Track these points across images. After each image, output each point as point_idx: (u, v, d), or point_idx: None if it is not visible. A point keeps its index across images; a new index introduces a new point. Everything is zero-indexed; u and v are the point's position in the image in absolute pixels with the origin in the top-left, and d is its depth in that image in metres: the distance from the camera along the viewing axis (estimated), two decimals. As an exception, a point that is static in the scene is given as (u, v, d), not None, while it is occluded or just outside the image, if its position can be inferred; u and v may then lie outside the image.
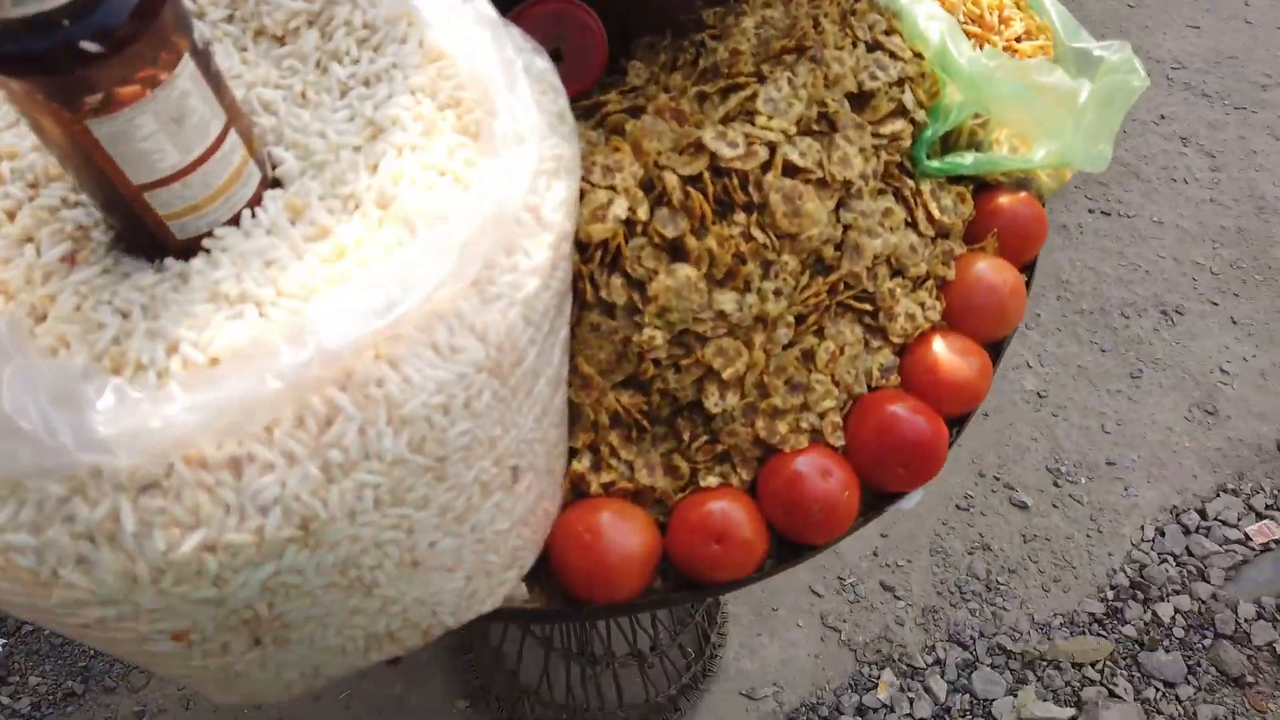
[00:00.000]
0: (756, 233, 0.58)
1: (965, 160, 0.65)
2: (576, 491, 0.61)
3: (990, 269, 0.66)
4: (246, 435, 0.44)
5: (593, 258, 0.59)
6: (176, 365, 0.44)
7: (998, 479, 1.62)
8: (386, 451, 0.47)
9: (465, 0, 0.58)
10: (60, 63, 0.41)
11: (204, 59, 0.48)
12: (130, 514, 0.43)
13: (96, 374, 0.42)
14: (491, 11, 0.58)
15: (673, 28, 0.77)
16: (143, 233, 0.51)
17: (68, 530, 0.43)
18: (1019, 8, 0.79)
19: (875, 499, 0.63)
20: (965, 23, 0.77)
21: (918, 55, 0.67)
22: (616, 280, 0.58)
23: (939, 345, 0.64)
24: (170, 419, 0.40)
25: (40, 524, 0.43)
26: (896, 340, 0.64)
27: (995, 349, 0.68)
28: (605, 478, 0.60)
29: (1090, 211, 2.01)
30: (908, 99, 0.64)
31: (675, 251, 0.59)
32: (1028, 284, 0.71)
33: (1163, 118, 2.20)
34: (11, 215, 0.52)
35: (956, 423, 0.65)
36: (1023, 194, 0.69)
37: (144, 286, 0.49)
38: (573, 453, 0.61)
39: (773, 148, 0.60)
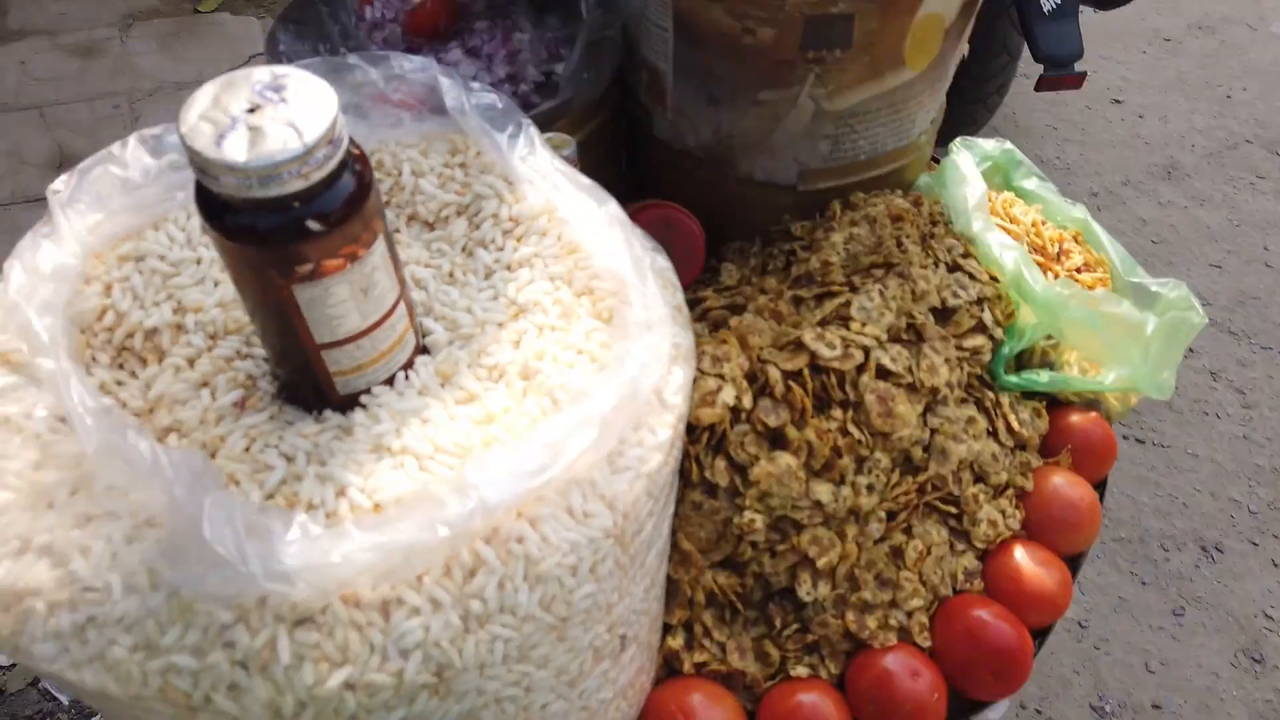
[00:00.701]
0: (852, 429, 0.63)
1: (1041, 378, 0.71)
2: (669, 668, 0.63)
3: (1067, 483, 0.70)
4: (400, 580, 0.47)
5: (699, 439, 0.63)
6: (345, 508, 0.48)
7: (1039, 712, 1.58)
8: (520, 606, 0.49)
9: (600, 203, 0.66)
10: (285, 237, 0.48)
11: (389, 239, 0.54)
12: (286, 645, 0.46)
13: (281, 512, 0.46)
14: (622, 214, 0.66)
15: (761, 235, 0.85)
16: (309, 386, 0.56)
17: (227, 656, 0.46)
18: (1077, 241, 0.87)
19: (961, 706, 0.64)
20: (1029, 253, 0.84)
21: (993, 279, 0.74)
22: (720, 463, 0.63)
23: (1021, 554, 0.67)
24: (348, 556, 0.44)
25: (204, 648, 0.45)
26: (980, 545, 0.67)
27: (1071, 563, 0.71)
28: (698, 657, 0.62)
29: (1125, 438, 2.06)
30: (987, 317, 0.71)
31: (775, 440, 0.64)
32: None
33: (1192, 351, 2.28)
34: (191, 362, 0.58)
35: (1038, 634, 0.67)
36: (1093, 414, 0.74)
37: (307, 434, 0.54)
38: (667, 629, 0.63)
39: (867, 352, 0.66)
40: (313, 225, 0.48)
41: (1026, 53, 2.32)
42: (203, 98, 0.47)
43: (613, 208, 0.65)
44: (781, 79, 0.74)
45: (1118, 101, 3.20)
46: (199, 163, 0.45)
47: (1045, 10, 2.14)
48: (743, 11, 0.70)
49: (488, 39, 0.85)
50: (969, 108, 2.61)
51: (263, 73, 0.47)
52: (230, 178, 0.45)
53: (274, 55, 0.83)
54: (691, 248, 0.80)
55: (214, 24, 2.80)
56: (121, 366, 0.58)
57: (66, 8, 2.78)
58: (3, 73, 2.55)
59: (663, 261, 0.66)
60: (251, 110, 0.46)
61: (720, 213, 0.84)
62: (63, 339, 0.55)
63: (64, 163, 2.34)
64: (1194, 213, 2.82)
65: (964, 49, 0.84)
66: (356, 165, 0.49)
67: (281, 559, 0.43)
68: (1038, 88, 2.31)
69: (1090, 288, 0.82)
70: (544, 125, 0.69)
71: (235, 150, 0.45)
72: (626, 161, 0.89)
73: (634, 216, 0.79)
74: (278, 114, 0.46)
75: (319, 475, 0.50)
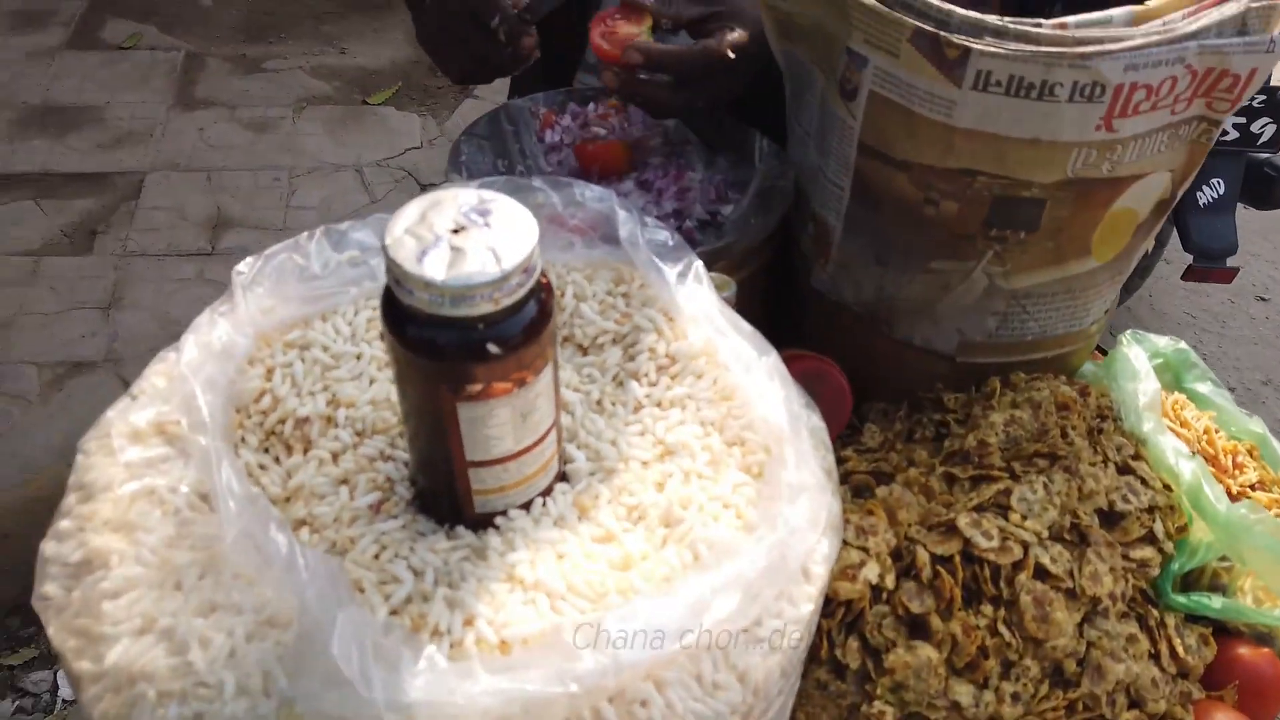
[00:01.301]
0: (1002, 629, 0.58)
1: (1214, 603, 0.64)
2: None
3: (1231, 722, 0.63)
4: (515, 723, 0.44)
5: (834, 614, 0.59)
6: (471, 640, 0.46)
7: None
8: (633, 777, 0.46)
9: (762, 353, 0.64)
10: (462, 356, 0.47)
11: (556, 367, 0.54)
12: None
13: (407, 635, 0.44)
14: (783, 368, 0.64)
15: (910, 401, 0.82)
16: (446, 500, 0.55)
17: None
18: (1252, 456, 0.81)
19: None
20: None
21: (1166, 487, 0.69)
22: (854, 643, 0.58)
23: (1173, 796, 0.60)
24: (471, 698, 0.41)
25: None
26: (1129, 778, 0.60)
27: (1226, 811, 0.63)
28: None
29: None
30: (1158, 528, 0.65)
31: (916, 628, 0.59)
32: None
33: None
34: (335, 457, 0.57)
35: None
36: (1266, 650, 0.67)
37: (439, 550, 0.52)
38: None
39: (1026, 548, 0.61)
40: (492, 349, 0.47)
41: (1175, 239, 2.26)
42: (410, 212, 0.47)
43: (773, 359, 0.63)
44: (958, 252, 0.72)
45: (1263, 299, 3.08)
46: (397, 274, 0.46)
47: (1201, 204, 2.09)
48: (928, 183, 0.69)
49: (660, 174, 0.87)
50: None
51: (470, 195, 0.48)
52: (424, 293, 0.45)
53: (455, 165, 0.85)
54: (839, 404, 0.77)
55: (379, 116, 2.98)
56: (267, 451, 0.58)
57: (250, 85, 3.00)
58: (181, 136, 2.75)
59: (817, 421, 0.64)
60: (456, 231, 0.46)
61: (869, 372, 0.81)
62: (220, 416, 0.56)
63: (219, 224, 2.48)
64: (1340, 422, 2.65)
65: (1150, 244, 0.81)
66: (542, 294, 0.49)
67: (406, 690, 0.41)
68: (1185, 277, 2.24)
69: (1267, 507, 0.76)
70: (707, 264, 0.68)
71: (434, 268, 0.45)
72: (780, 308, 0.88)
73: (786, 365, 0.78)
74: (480, 237, 0.46)
75: (448, 599, 0.48)
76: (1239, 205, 2.33)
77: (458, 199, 0.48)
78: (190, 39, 3.19)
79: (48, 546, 0.53)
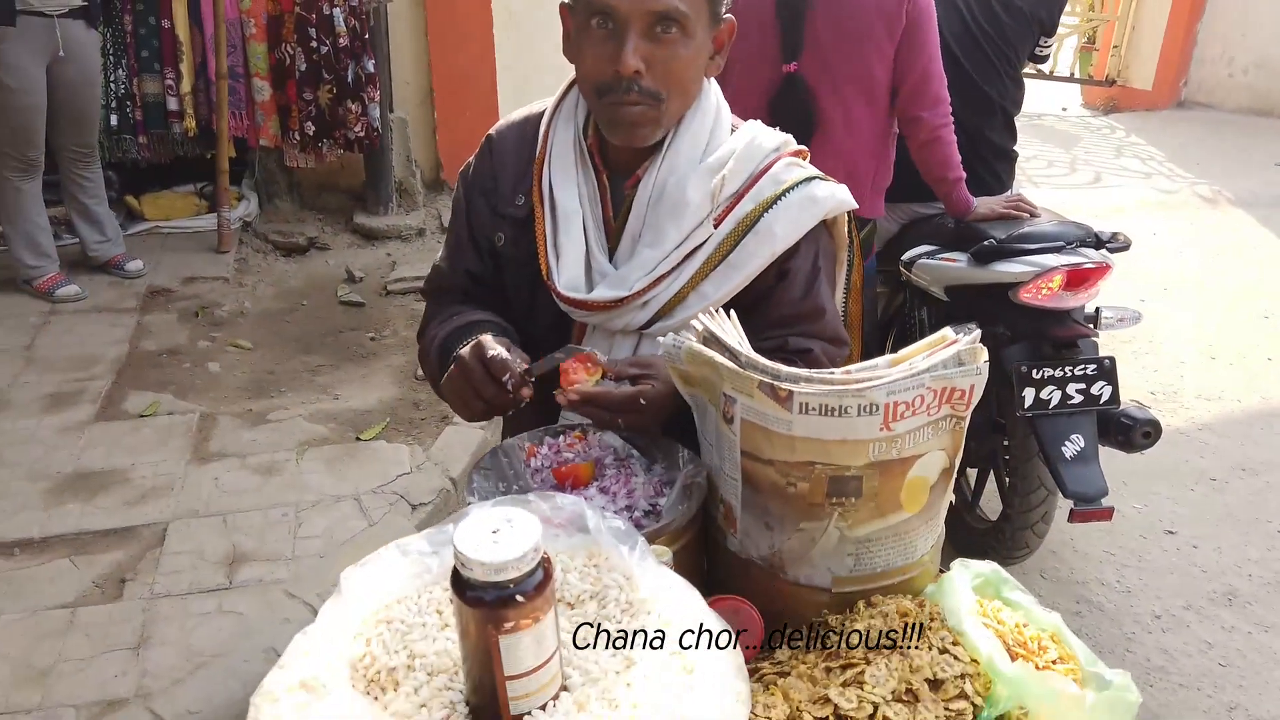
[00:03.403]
0: (866, 762, 0.87)
1: (1015, 740, 0.94)
2: None
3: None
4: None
5: (755, 766, 0.88)
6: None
7: None
8: None
9: (687, 592, 0.97)
10: (500, 605, 0.81)
11: (555, 610, 0.87)
12: None
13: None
14: (703, 602, 0.97)
15: (806, 625, 1.14)
16: (490, 708, 0.86)
17: None
18: (1054, 640, 1.12)
19: None
20: (1014, 646, 1.10)
21: (974, 661, 1.00)
22: (770, 784, 0.87)
23: None
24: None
25: None
26: None
27: None
28: None
29: None
30: (968, 687, 0.96)
31: (810, 769, 0.88)
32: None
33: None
34: (416, 690, 0.88)
35: None
36: (1062, 769, 0.95)
37: (491, 738, 0.82)
38: None
39: (875, 706, 0.92)
40: (519, 598, 0.81)
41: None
42: (469, 524, 0.83)
43: (696, 598, 0.97)
44: (814, 515, 1.08)
45: (1170, 532, 3.44)
46: (463, 559, 0.80)
47: (1068, 456, 2.52)
48: (787, 471, 1.07)
49: (614, 481, 1.24)
50: (1019, 534, 2.91)
51: (501, 513, 0.84)
52: (479, 569, 0.80)
53: (470, 490, 1.22)
54: (753, 628, 1.09)
55: (371, 450, 3.39)
56: (368, 691, 0.89)
57: (257, 435, 3.43)
58: (199, 487, 3.12)
59: (741, 619, 0.96)
60: (494, 531, 0.82)
61: (774, 606, 1.14)
62: (342, 670, 0.87)
63: (235, 560, 2.78)
64: (1258, 638, 2.92)
65: (950, 498, 1.18)
66: (545, 564, 0.84)
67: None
68: (1070, 519, 2.61)
69: (1066, 674, 1.07)
70: (650, 540, 1.03)
71: (484, 554, 0.80)
72: (707, 567, 1.22)
73: (712, 605, 1.10)
74: (509, 534, 0.82)
75: (504, 762, 0.78)
76: (1117, 453, 2.75)
77: (494, 516, 0.84)
78: (202, 401, 3.65)
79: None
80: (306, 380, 3.94)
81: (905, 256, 3.03)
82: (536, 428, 1.35)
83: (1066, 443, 2.52)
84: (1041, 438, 2.59)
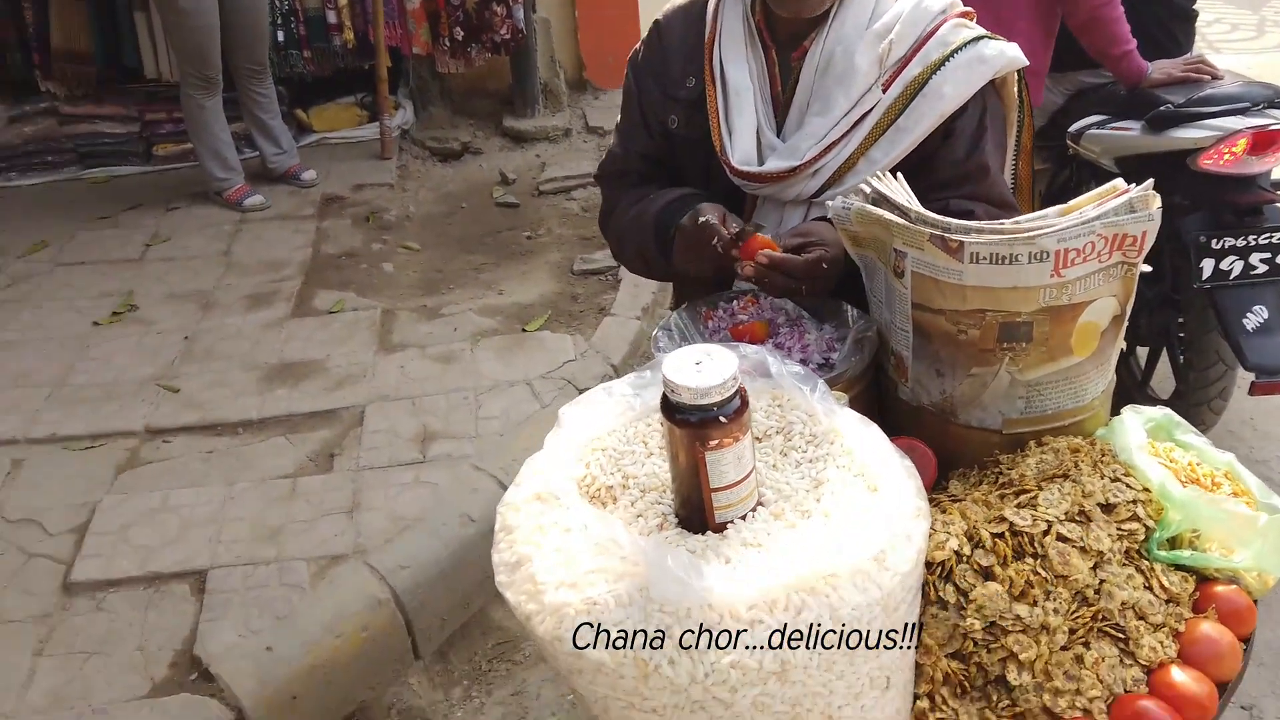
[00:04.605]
0: (1041, 571, 0.96)
1: (1184, 554, 1.00)
2: (917, 723, 0.94)
3: (1212, 629, 0.97)
4: (762, 605, 0.85)
5: (934, 571, 0.99)
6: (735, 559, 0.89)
7: None
8: (827, 635, 0.86)
9: (867, 426, 1.07)
10: (706, 425, 0.93)
11: (751, 434, 0.98)
12: (702, 639, 0.85)
13: (700, 560, 0.87)
14: (882, 434, 1.07)
15: (979, 466, 1.22)
16: (698, 518, 0.98)
17: (671, 642, 0.85)
18: (1227, 478, 1.16)
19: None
20: (1186, 484, 1.15)
21: (1145, 489, 1.06)
22: (949, 587, 0.97)
23: (1177, 671, 0.94)
24: (735, 590, 0.83)
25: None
26: (1143, 663, 0.95)
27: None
28: (938, 715, 0.93)
29: None
30: (1140, 511, 1.03)
31: (986, 575, 0.98)
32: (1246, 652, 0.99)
33: None
34: (633, 503, 1.02)
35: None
36: (1234, 586, 1.01)
37: (698, 541, 0.96)
38: (916, 697, 0.95)
39: (1049, 524, 1.00)
40: (721, 418, 0.93)
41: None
42: (675, 358, 0.95)
43: (876, 430, 1.06)
44: (985, 361, 1.15)
45: (1360, 410, 3.25)
46: (672, 386, 0.92)
47: (1250, 328, 2.43)
48: (958, 319, 1.14)
49: (788, 338, 1.34)
50: (1194, 411, 2.83)
51: (701, 349, 0.95)
52: (687, 393, 0.91)
53: (655, 346, 1.34)
54: (927, 468, 1.18)
55: (537, 340, 3.60)
56: (592, 502, 1.04)
57: (433, 329, 3.69)
58: (387, 374, 3.40)
59: (910, 464, 1.05)
60: (697, 364, 0.93)
61: (945, 450, 1.22)
62: (570, 487, 1.02)
63: (426, 438, 3.06)
64: None
65: (1121, 344, 1.21)
66: (742, 393, 0.95)
67: (707, 579, 0.83)
68: (1251, 392, 2.53)
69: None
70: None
71: (690, 380, 0.91)
72: (879, 417, 1.31)
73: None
74: (710, 365, 0.93)
75: (713, 550, 0.91)
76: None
77: (696, 351, 0.95)
78: (381, 298, 3.94)
79: (496, 556, 0.98)
80: (471, 277, 4.17)
81: (1072, 128, 2.92)
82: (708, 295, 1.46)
83: (1248, 314, 2.43)
84: (1221, 310, 2.50)
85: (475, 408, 3.18)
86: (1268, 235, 2.45)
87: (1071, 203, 1.12)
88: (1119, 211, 1.09)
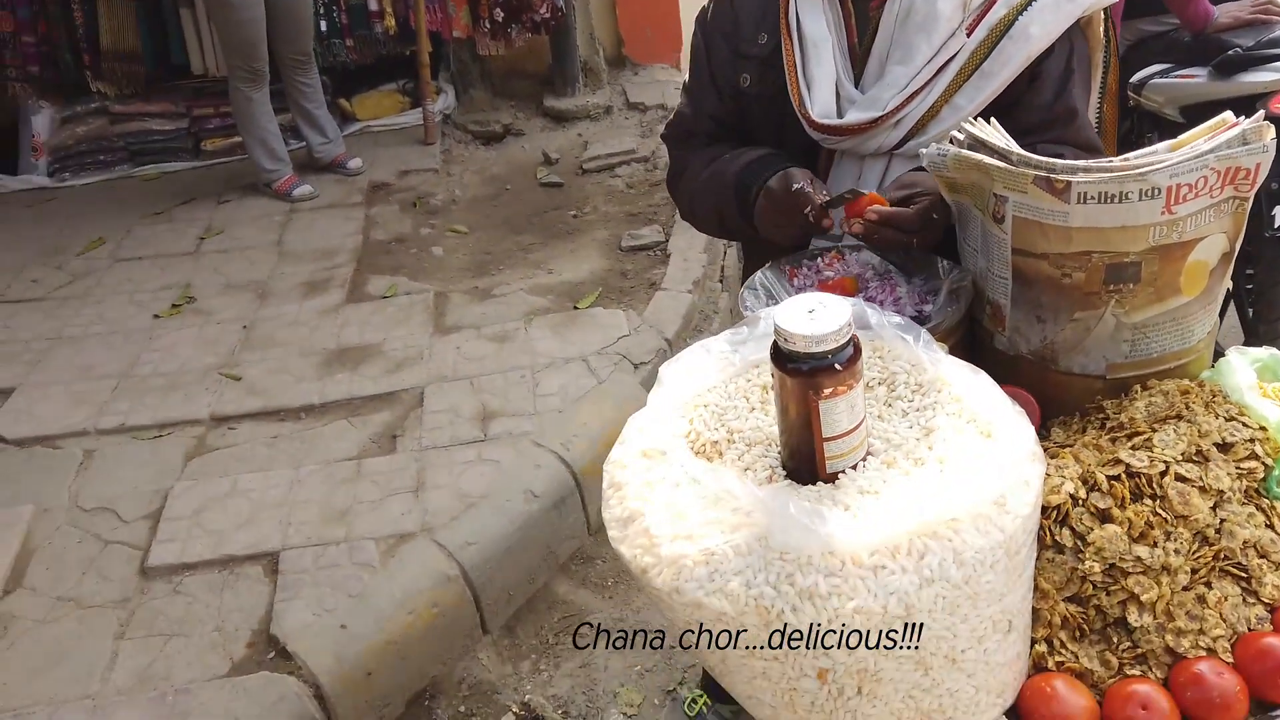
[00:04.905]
0: (1160, 511, 0.94)
1: (1307, 493, 0.98)
2: (1037, 667, 0.93)
3: (1340, 568, 0.95)
4: (885, 551, 0.85)
5: (1050, 515, 0.97)
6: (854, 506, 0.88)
7: None
8: (951, 578, 0.85)
9: (975, 374, 1.05)
10: (819, 373, 0.92)
11: (863, 384, 0.97)
12: (823, 583, 0.84)
13: (825, 507, 0.86)
14: (990, 381, 1.05)
15: (1081, 413, 1.20)
16: (808, 469, 0.97)
17: (793, 589, 0.85)
18: (1340, 417, 1.13)
19: (1256, 707, 0.88)
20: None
21: (1262, 428, 1.04)
22: (1065, 531, 0.96)
23: (1303, 608, 0.92)
24: (858, 536, 0.83)
25: (778, 584, 0.85)
26: (1266, 601, 0.93)
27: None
28: (1057, 659, 0.92)
29: None
30: (1258, 449, 1.00)
31: (1103, 517, 0.96)
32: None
33: None
34: (740, 456, 1.02)
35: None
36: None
37: (811, 491, 0.95)
38: (1034, 642, 0.94)
39: (1167, 465, 0.98)
40: (836, 366, 0.92)
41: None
42: (789, 305, 0.94)
43: (984, 376, 1.05)
44: (1090, 304, 1.13)
45: None
46: (785, 334, 0.91)
47: None
48: (1061, 264, 1.11)
49: (879, 293, 1.32)
50: None
51: (814, 297, 0.94)
52: (800, 341, 0.90)
53: (743, 305, 1.33)
54: (1030, 415, 1.16)
55: (590, 316, 3.60)
56: (698, 456, 1.03)
57: (486, 309, 3.70)
58: (444, 356, 3.43)
59: (1019, 406, 1.04)
60: (810, 311, 0.92)
61: (1045, 398, 1.20)
62: (675, 443, 1.02)
63: (486, 416, 3.07)
64: None
65: (1228, 283, 1.18)
66: (855, 341, 0.93)
67: (826, 519, 0.83)
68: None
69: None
70: (924, 338, 1.11)
71: (804, 328, 0.90)
72: (974, 367, 1.29)
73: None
74: (824, 313, 0.92)
75: (830, 498, 0.90)
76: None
77: (809, 300, 0.94)
78: (433, 282, 3.97)
79: (606, 512, 0.99)
80: (520, 258, 4.18)
81: (1134, 79, 2.85)
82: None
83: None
84: (1294, 259, 2.44)
85: (533, 385, 3.19)
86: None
87: (1181, 137, 1.09)
88: (1232, 144, 1.06)
